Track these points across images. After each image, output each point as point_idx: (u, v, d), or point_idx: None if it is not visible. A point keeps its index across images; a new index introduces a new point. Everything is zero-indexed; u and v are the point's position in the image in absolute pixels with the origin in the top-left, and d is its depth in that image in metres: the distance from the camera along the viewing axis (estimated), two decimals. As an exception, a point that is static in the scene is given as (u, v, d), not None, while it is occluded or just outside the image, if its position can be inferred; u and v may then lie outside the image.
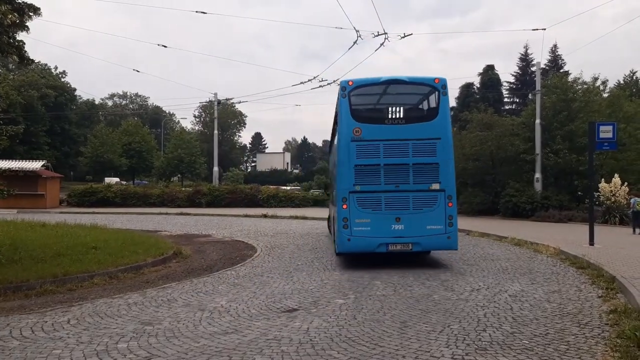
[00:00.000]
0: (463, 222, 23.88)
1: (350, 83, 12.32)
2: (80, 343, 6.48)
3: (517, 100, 54.63)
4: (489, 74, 50.87)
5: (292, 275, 11.24)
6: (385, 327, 7.18)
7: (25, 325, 7.27)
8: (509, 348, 6.27)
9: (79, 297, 9.16)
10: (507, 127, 30.50)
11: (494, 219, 26.80)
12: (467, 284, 10.33)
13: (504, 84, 54.02)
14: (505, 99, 54.80)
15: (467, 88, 50.76)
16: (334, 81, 28.89)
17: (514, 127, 30.83)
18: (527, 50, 54.84)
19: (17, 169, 30.04)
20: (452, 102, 51.84)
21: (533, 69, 49.53)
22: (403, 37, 23.52)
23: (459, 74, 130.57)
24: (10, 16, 8.97)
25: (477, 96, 49.33)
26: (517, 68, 55.07)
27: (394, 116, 12.13)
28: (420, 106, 13.03)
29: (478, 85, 51.66)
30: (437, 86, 12.20)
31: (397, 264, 12.63)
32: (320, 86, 29.21)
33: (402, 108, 12.30)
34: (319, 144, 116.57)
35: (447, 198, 11.99)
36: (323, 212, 30.11)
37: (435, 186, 12.02)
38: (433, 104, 12.37)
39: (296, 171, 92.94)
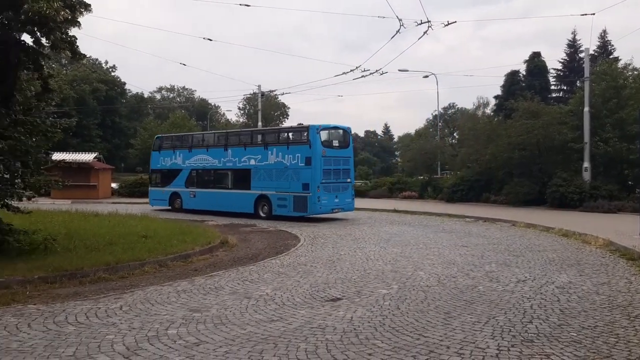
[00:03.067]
0: (508, 213, 23.50)
1: (319, 127, 21.61)
2: (132, 329, 6.73)
3: (565, 87, 52.90)
4: (535, 61, 49.41)
5: (335, 265, 11.34)
6: (429, 318, 7.19)
7: (80, 311, 7.59)
8: (557, 340, 6.19)
9: (131, 285, 9.49)
10: (554, 115, 29.66)
11: (540, 210, 26.22)
12: (513, 275, 10.20)
13: (551, 71, 52.42)
14: (552, 87, 53.10)
15: (512, 76, 49.45)
16: (376, 71, 28.68)
17: (561, 116, 29.96)
18: (574, 36, 53.00)
19: (70, 161, 31.09)
20: (497, 91, 50.77)
21: (581, 55, 47.85)
22: (447, 25, 23.17)
23: (504, 62, 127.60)
24: (62, 13, 9.26)
25: (523, 84, 48.01)
26: (564, 55, 53.36)
27: (335, 144, 22.36)
28: (344, 140, 23.00)
29: (524, 73, 50.29)
30: (349, 132, 23.53)
31: (434, 257, 12.58)
32: (362, 76, 28.98)
33: (337, 140, 22.66)
34: (361, 134, 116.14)
35: (352, 186, 23.31)
36: (364, 203, 30.08)
37: (349, 180, 22.72)
38: (348, 139, 23.13)
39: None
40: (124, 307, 7.80)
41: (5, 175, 10.82)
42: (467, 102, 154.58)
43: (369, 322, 6.96)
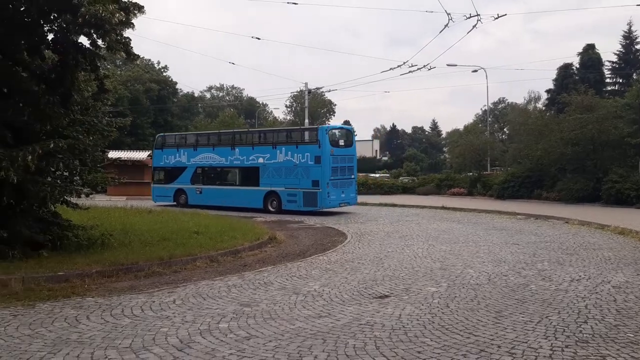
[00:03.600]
0: (561, 210, 22.83)
1: (327, 128, 24.40)
2: (185, 322, 6.92)
3: (620, 80, 50.84)
4: (589, 54, 47.71)
5: (383, 262, 11.31)
6: (479, 316, 7.10)
7: (135, 304, 7.84)
8: (613, 341, 6.01)
9: (183, 279, 9.74)
10: (609, 109, 28.59)
11: (594, 207, 25.34)
12: (567, 273, 9.94)
13: (606, 63, 50.50)
14: (607, 80, 51.18)
15: (565, 69, 47.94)
16: (424, 66, 28.33)
17: (617, 109, 28.84)
18: (630, 27, 50.83)
19: (126, 158, 32.08)
20: (549, 84, 49.34)
21: (637, 47, 45.98)
22: (496, 18, 22.69)
23: (556, 55, 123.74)
24: (117, 15, 9.52)
25: (576, 77, 46.46)
26: (619, 47, 51.32)
27: (341, 144, 23.71)
28: (348, 140, 24.42)
29: (577, 66, 48.64)
30: (353, 132, 26.35)
31: (484, 255, 12.38)
32: (410, 72, 28.75)
33: (343, 140, 23.98)
34: (408, 130, 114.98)
35: (355, 182, 24.87)
36: (413, 200, 29.86)
37: (353, 176, 24.26)
38: (352, 139, 24.81)
39: (385, 158, 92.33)
40: (177, 301, 8.02)
41: (65, 173, 11.29)
42: (517, 97, 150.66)
43: (417, 320, 6.93)
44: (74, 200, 11.59)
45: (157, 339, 6.23)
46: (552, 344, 5.95)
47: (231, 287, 9.00)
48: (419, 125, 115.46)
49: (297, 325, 6.72)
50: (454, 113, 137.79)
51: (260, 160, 24.17)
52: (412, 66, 28.58)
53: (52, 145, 9.75)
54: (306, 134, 24.69)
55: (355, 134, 26.24)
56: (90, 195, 12.42)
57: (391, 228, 17.85)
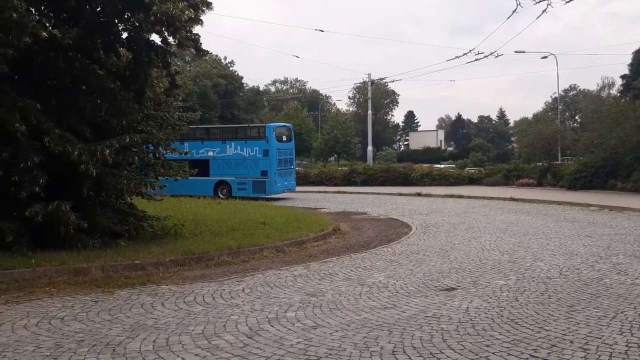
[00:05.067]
0: (637, 201, 21.68)
1: (274, 126, 27.73)
2: (253, 310, 7.12)
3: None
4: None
5: (449, 254, 11.18)
6: (550, 311, 6.92)
7: (207, 292, 8.13)
8: (695, 340, 5.72)
9: (251, 268, 10.00)
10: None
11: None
12: (645, 268, 9.49)
13: (687, 45, 47.34)
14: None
15: (640, 53, 45.38)
16: (491, 53, 27.62)
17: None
18: None
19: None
20: (624, 70, 46.85)
21: None
22: (568, 2, 21.71)
23: (631, 38, 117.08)
24: (187, 12, 9.83)
25: (655, 61, 43.90)
26: None
27: (284, 139, 27.26)
28: (289, 136, 28.19)
29: (655, 50, 45.84)
30: (292, 129, 29.92)
31: (555, 247, 11.98)
32: (476, 59, 28.10)
33: (285, 136, 27.56)
34: (474, 120, 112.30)
35: (294, 171, 28.81)
36: (479, 191, 29.21)
37: (292, 167, 28.23)
38: (291, 135, 28.55)
39: (450, 149, 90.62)
40: (245, 290, 8.25)
41: (140, 166, 11.82)
42: (590, 83, 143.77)
43: (485, 313, 6.84)
44: (148, 192, 12.10)
45: (228, 326, 6.45)
46: (627, 340, 5.74)
47: (297, 277, 9.16)
48: (486, 115, 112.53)
49: (363, 316, 6.78)
50: (522, 101, 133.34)
51: (210, 153, 26.92)
52: (479, 54, 27.98)
53: (127, 140, 10.24)
54: (254, 130, 28.59)
55: (292, 130, 30.80)
56: (163, 187, 12.93)
57: (457, 220, 17.56)
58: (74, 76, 10.65)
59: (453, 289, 8.20)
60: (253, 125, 34.82)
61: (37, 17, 10.50)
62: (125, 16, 10.89)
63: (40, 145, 9.45)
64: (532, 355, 5.41)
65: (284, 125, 30.66)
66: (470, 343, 5.74)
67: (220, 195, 26.16)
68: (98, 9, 10.86)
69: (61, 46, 9.83)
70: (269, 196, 26.19)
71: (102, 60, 11.36)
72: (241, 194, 25.78)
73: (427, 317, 6.72)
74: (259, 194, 25.88)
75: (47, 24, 10.51)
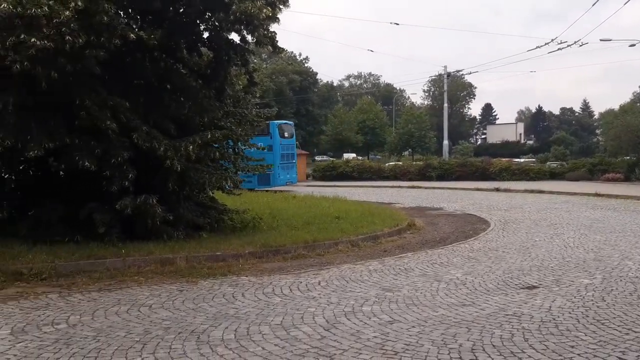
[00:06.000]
0: None
1: (277, 123, 28.73)
2: (330, 303, 7.21)
3: None
4: None
5: (530, 252, 10.83)
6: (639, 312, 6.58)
7: (284, 284, 8.32)
8: None
9: (327, 262, 10.11)
10: None
11: None
12: None
13: None
14: None
15: None
16: (574, 42, 26.39)
17: None
18: None
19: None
20: None
21: None
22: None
23: None
24: (265, 10, 10.06)
25: None
26: None
27: (286, 135, 29.94)
28: (290, 132, 31.03)
29: None
30: (293, 126, 32.99)
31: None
32: (559, 49, 26.95)
33: (287, 132, 30.27)
34: (556, 112, 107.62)
35: (296, 165, 30.92)
36: (562, 186, 28.03)
37: (294, 161, 30.54)
38: (292, 131, 31.63)
39: (530, 142, 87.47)
40: (322, 283, 8.37)
41: (221, 162, 12.24)
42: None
43: (569, 313, 6.59)
44: (228, 186, 12.51)
45: (305, 317, 6.58)
46: None
47: (372, 271, 9.19)
48: (568, 106, 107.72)
49: (440, 313, 6.71)
50: (607, 92, 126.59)
51: None
52: (561, 43, 26.80)
53: (209, 136, 10.63)
54: (259, 127, 30.75)
55: (294, 127, 33.91)
56: (243, 182, 13.33)
57: (538, 216, 16.95)
58: (159, 75, 11.16)
59: (534, 287, 7.96)
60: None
61: (125, 20, 11.05)
62: (206, 16, 11.27)
63: (129, 142, 9.97)
64: (619, 358, 5.18)
65: (287, 123, 32.91)
66: (554, 343, 5.57)
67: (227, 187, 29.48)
68: (181, 10, 11.30)
69: (147, 47, 10.29)
70: (273, 188, 28.06)
71: (185, 60, 11.81)
72: (247, 186, 27.86)
73: (507, 315, 6.57)
74: (263, 186, 27.68)
75: (134, 26, 11.03)
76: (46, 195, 10.64)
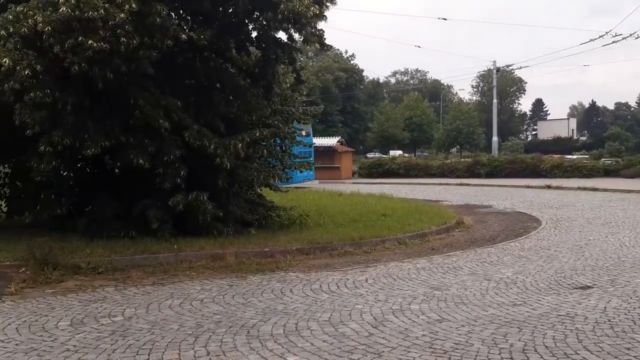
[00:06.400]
0: None
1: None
2: (377, 301, 7.21)
3: None
4: None
5: (584, 251, 10.52)
6: (702, 315, 6.31)
7: (332, 281, 8.36)
8: None
9: (373, 259, 10.11)
10: None
11: None
12: None
13: None
14: None
15: None
16: (630, 35, 25.39)
17: None
18: None
19: (317, 145, 34.39)
20: None
21: None
22: None
23: None
24: (312, 8, 10.11)
25: None
26: None
27: (303, 134, 25.30)
28: (307, 132, 29.55)
29: None
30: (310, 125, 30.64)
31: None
32: (613, 42, 26.01)
33: (305, 132, 27.25)
34: (610, 107, 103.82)
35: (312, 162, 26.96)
36: (617, 183, 27.08)
37: (311, 158, 26.47)
38: (310, 131, 31.75)
39: (583, 138, 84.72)
40: (369, 280, 8.37)
41: (268, 159, 12.41)
42: None
43: (625, 314, 6.39)
44: (276, 183, 12.67)
45: (353, 314, 6.61)
46: None
47: (420, 269, 9.13)
48: (623, 101, 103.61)
49: (490, 312, 6.62)
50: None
51: None
52: (616, 36, 25.85)
53: (257, 134, 10.78)
54: None
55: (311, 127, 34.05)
56: (289, 179, 13.47)
57: (592, 214, 16.44)
58: (209, 75, 11.40)
59: (588, 287, 7.74)
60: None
61: (177, 21, 11.33)
62: (255, 15, 11.42)
63: (181, 140, 10.23)
64: (680, 363, 5.00)
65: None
66: (609, 345, 5.41)
67: None
68: (230, 10, 11.49)
69: (197, 47, 10.53)
70: (290, 185, 30.76)
71: (234, 59, 12.01)
72: None
73: (560, 315, 6.42)
74: (281, 182, 29.35)
75: (185, 27, 11.28)
76: (102, 192, 11.06)
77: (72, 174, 11.86)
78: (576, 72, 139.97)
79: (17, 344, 5.64)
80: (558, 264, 9.39)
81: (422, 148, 77.57)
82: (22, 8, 8.36)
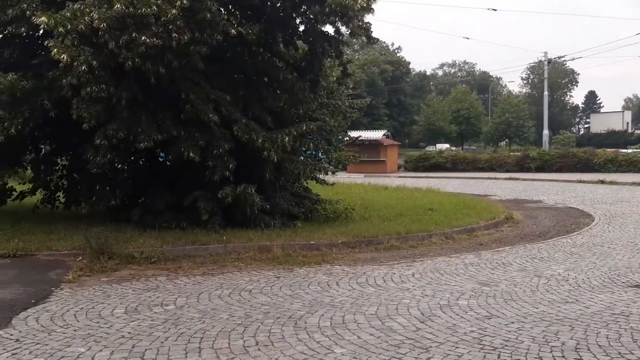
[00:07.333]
0: None
1: None
2: (424, 296, 7.17)
3: None
4: None
5: (639, 248, 10.17)
6: None
7: (378, 274, 8.35)
8: None
9: (420, 254, 10.04)
10: None
11: None
12: None
13: None
14: None
15: None
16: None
17: None
18: None
19: (363, 138, 34.18)
20: None
21: None
22: None
23: None
24: (360, 1, 10.08)
25: None
26: None
27: None
28: None
29: None
30: None
31: None
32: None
33: None
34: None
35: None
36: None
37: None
38: None
39: (638, 132, 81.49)
40: (415, 275, 8.33)
41: (314, 152, 12.48)
42: None
43: (684, 315, 6.16)
44: (321, 176, 12.74)
45: (400, 309, 6.59)
46: None
47: (468, 265, 9.02)
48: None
49: (541, 309, 6.49)
50: None
51: None
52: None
53: (304, 128, 10.86)
54: None
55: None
56: (335, 172, 13.52)
57: (648, 210, 15.85)
58: (257, 69, 11.53)
59: (644, 286, 7.49)
60: None
61: (226, 16, 11.49)
62: (302, 9, 11.47)
63: (230, 133, 10.40)
64: None
65: None
66: (667, 346, 5.24)
67: None
68: (278, 4, 11.60)
69: (246, 41, 10.65)
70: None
71: (282, 53, 12.10)
72: None
73: (614, 314, 6.24)
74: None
75: (234, 22, 11.43)
76: (154, 184, 11.38)
77: (126, 167, 12.25)
78: (631, 63, 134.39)
79: (75, 330, 5.88)
80: (612, 261, 9.11)
81: (470, 141, 76.28)
82: (79, 5, 8.65)
